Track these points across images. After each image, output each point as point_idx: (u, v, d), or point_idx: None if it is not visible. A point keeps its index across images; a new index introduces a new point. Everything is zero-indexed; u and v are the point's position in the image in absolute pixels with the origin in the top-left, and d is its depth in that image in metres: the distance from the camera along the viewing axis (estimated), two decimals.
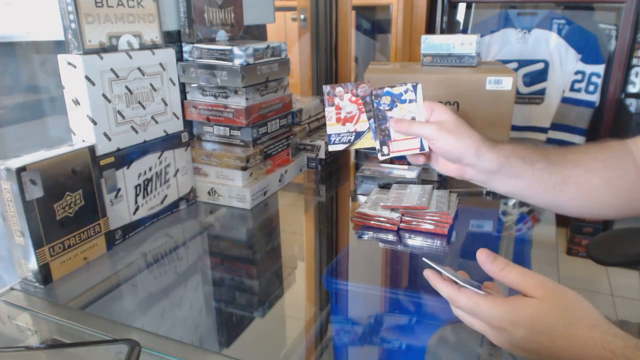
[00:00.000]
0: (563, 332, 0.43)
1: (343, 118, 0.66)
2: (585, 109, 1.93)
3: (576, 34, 1.91)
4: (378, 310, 0.64)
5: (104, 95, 0.71)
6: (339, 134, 0.66)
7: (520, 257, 0.74)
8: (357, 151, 1.06)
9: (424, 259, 0.55)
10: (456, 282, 0.50)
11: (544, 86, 1.98)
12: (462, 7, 2.07)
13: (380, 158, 0.66)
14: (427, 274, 0.54)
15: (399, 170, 0.95)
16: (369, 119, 0.66)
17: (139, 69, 0.77)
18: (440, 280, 0.52)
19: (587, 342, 0.42)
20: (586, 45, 1.90)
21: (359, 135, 0.66)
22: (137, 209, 0.79)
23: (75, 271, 0.68)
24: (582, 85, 1.92)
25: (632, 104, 1.79)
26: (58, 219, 0.64)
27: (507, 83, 1.08)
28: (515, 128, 1.95)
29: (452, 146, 0.60)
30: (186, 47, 0.90)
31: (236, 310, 0.62)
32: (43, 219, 0.62)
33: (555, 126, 1.99)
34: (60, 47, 0.71)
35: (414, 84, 0.65)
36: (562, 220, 2.20)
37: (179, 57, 0.91)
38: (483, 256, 0.49)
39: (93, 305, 0.62)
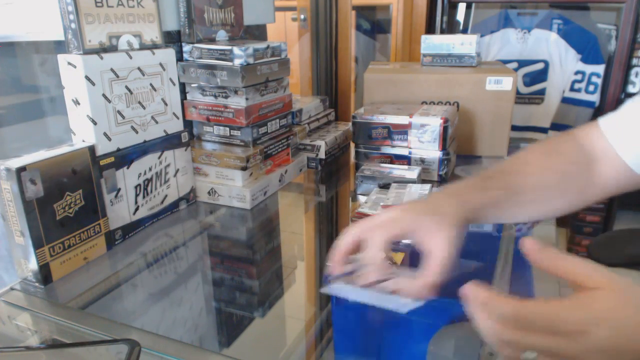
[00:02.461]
0: None
1: None
2: (585, 109, 1.93)
3: (576, 34, 1.91)
4: (378, 310, 0.64)
5: (104, 95, 0.71)
6: None
7: (520, 257, 0.74)
8: (357, 151, 1.06)
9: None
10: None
11: (544, 86, 1.98)
12: (462, 7, 2.07)
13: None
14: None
15: (399, 170, 0.95)
16: None
17: (139, 69, 0.77)
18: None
19: None
20: (586, 45, 1.90)
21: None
22: (137, 209, 0.79)
23: (75, 271, 0.68)
24: (582, 85, 1.92)
25: None
26: (58, 219, 0.64)
27: (507, 83, 1.08)
28: (515, 128, 1.95)
29: (445, 245, 0.53)
30: (186, 47, 0.90)
31: (236, 310, 0.62)
32: (43, 219, 0.62)
33: (555, 126, 1.99)
34: (60, 47, 0.71)
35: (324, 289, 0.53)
36: (562, 220, 2.20)
37: (179, 57, 0.91)
38: (528, 244, 0.43)
39: (93, 305, 0.62)
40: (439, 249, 0.52)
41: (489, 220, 0.63)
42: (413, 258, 0.73)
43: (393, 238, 0.52)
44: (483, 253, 0.77)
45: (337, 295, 0.50)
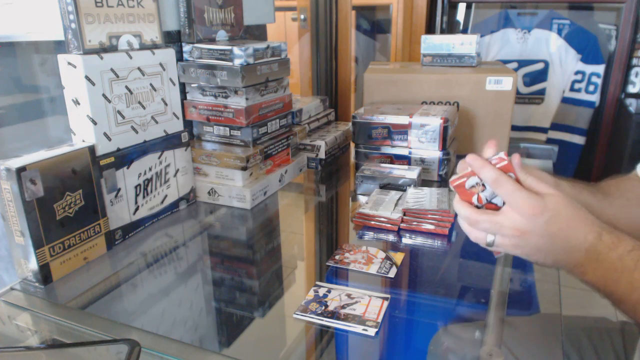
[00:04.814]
0: (574, 212, 0.51)
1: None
2: (585, 109, 1.93)
3: (576, 34, 1.91)
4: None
5: (104, 95, 0.71)
6: None
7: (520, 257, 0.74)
8: (357, 151, 1.06)
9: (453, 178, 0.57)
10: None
11: (544, 86, 1.98)
12: (462, 7, 2.07)
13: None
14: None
15: (399, 170, 0.95)
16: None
17: (139, 69, 0.77)
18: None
19: (586, 221, 0.51)
20: (586, 45, 1.90)
21: None
22: (137, 209, 0.79)
23: (75, 271, 0.68)
24: (582, 85, 1.92)
25: (632, 104, 1.79)
26: (58, 219, 0.64)
27: (507, 83, 1.08)
28: (515, 128, 1.95)
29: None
30: (186, 47, 0.90)
31: (236, 310, 0.62)
32: (43, 219, 0.62)
33: (555, 126, 1.99)
34: (60, 47, 0.71)
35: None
36: None
37: (179, 57, 0.91)
38: (517, 159, 0.54)
39: (93, 305, 0.62)
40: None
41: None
42: (413, 258, 0.73)
43: None
44: (483, 253, 0.77)
45: None
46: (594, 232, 0.51)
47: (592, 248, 0.50)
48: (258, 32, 1.17)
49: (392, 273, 0.67)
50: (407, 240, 0.78)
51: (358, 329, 0.55)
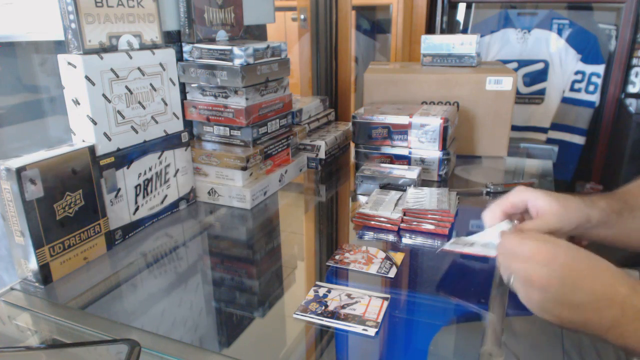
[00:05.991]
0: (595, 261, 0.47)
1: None
2: (585, 109, 1.93)
3: (576, 34, 1.91)
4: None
5: (104, 95, 0.71)
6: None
7: None
8: (357, 151, 1.06)
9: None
10: None
11: (544, 86, 1.98)
12: (462, 7, 2.07)
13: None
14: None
15: (399, 170, 0.95)
16: None
17: (139, 69, 0.77)
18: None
19: (614, 274, 0.46)
20: (586, 45, 1.90)
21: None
22: (137, 209, 0.79)
23: (75, 271, 0.68)
24: (582, 85, 1.92)
25: (632, 104, 1.79)
26: (58, 219, 0.64)
27: (507, 83, 1.08)
28: (515, 128, 1.95)
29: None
30: (186, 47, 0.90)
31: (236, 310, 0.62)
32: (43, 219, 0.62)
33: (555, 126, 1.99)
34: (60, 47, 0.71)
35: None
36: None
37: (179, 57, 0.91)
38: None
39: (93, 305, 0.62)
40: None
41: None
42: (413, 258, 0.73)
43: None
44: None
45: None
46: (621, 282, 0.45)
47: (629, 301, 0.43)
48: (258, 32, 1.17)
49: (392, 273, 0.67)
50: (407, 240, 0.78)
51: (358, 329, 0.55)
